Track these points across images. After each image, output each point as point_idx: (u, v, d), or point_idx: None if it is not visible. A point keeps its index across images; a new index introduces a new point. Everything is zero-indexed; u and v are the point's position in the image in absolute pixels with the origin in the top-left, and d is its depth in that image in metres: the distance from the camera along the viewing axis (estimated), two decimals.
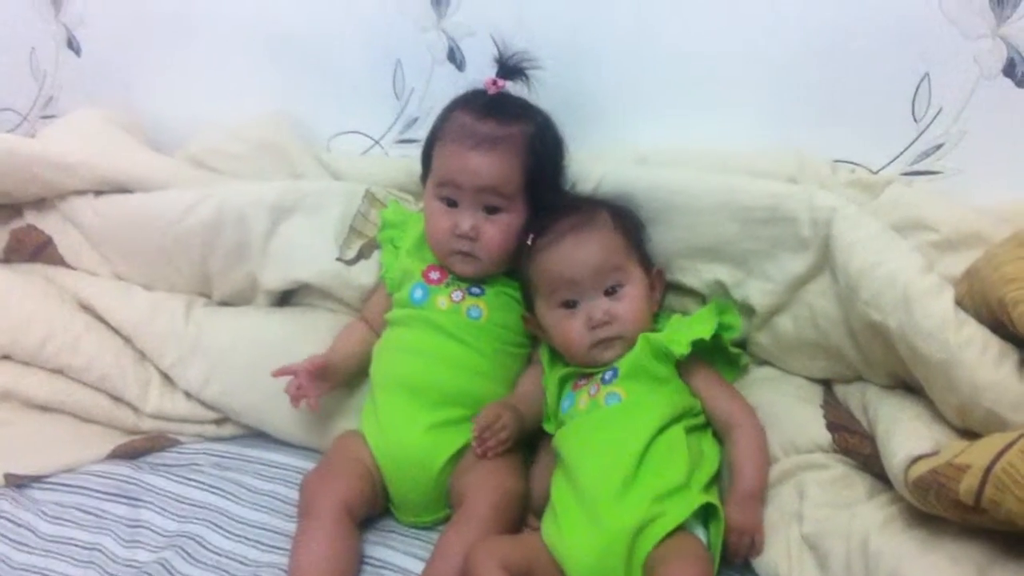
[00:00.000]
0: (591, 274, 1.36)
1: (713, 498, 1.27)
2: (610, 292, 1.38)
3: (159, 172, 1.72)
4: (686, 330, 1.36)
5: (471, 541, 1.25)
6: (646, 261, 1.44)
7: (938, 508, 1.08)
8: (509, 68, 1.49)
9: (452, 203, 1.46)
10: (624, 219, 1.43)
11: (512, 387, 1.49)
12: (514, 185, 1.44)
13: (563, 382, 1.43)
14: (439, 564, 1.26)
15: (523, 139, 1.45)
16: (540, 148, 1.47)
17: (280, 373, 1.46)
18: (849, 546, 1.17)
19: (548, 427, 1.43)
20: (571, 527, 1.24)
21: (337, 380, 1.52)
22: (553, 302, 1.40)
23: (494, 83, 1.48)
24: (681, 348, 1.32)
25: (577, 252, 1.37)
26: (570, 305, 1.39)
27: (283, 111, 1.77)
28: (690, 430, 1.32)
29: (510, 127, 1.44)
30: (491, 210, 1.45)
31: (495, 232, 1.44)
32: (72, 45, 1.92)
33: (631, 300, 1.38)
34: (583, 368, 1.40)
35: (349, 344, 1.56)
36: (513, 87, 1.50)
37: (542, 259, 1.39)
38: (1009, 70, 1.30)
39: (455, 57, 1.62)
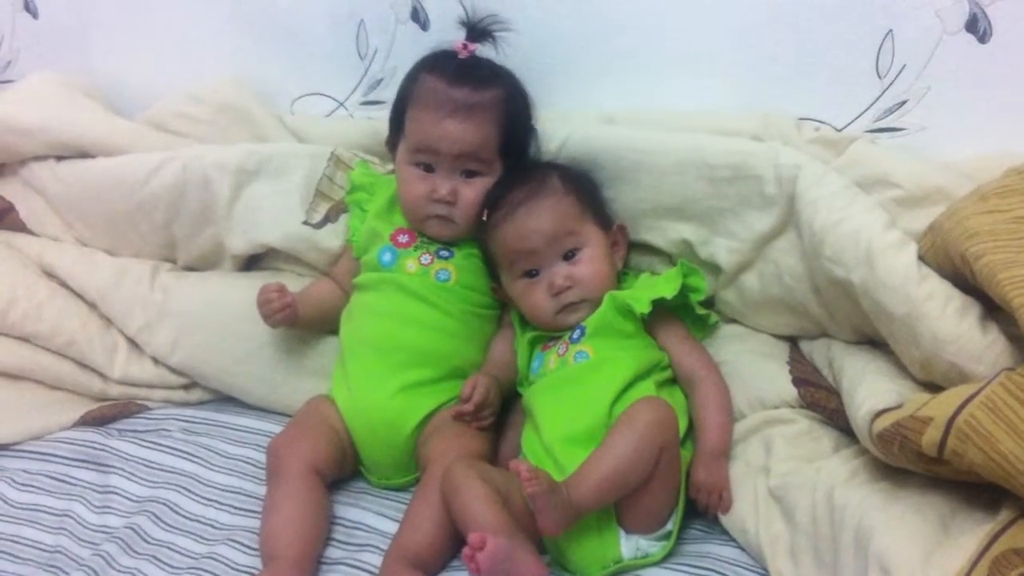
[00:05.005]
0: (546, 242, 1.37)
1: (686, 451, 1.30)
2: (569, 256, 1.39)
3: (120, 136, 1.70)
4: (649, 289, 1.37)
5: (437, 509, 1.26)
6: (604, 220, 1.45)
7: (902, 460, 1.10)
8: (479, 31, 1.48)
9: (429, 168, 1.45)
10: (575, 181, 1.44)
11: (482, 348, 1.50)
12: (492, 149, 1.44)
13: (533, 344, 1.44)
14: (409, 534, 1.27)
15: (499, 103, 1.44)
16: (514, 110, 1.47)
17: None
18: (815, 499, 1.18)
19: (522, 390, 1.44)
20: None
21: (303, 318, 1.51)
22: (515, 273, 1.41)
23: (465, 47, 1.47)
24: (642, 306, 1.34)
25: (529, 222, 1.37)
26: (531, 275, 1.40)
27: (245, 73, 1.75)
28: (660, 384, 1.34)
29: (485, 92, 1.44)
30: (469, 173, 1.45)
31: (473, 195, 1.44)
32: (29, 8, 1.88)
33: (590, 262, 1.39)
34: (551, 332, 1.41)
35: (316, 291, 1.57)
36: (482, 49, 1.49)
37: (498, 233, 1.40)
38: (971, 26, 1.30)
39: (419, 16, 1.60)
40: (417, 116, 1.45)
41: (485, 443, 1.41)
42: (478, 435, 1.40)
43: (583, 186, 1.44)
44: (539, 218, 1.38)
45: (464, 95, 1.42)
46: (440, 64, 1.47)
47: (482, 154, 1.43)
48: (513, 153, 1.46)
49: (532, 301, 1.39)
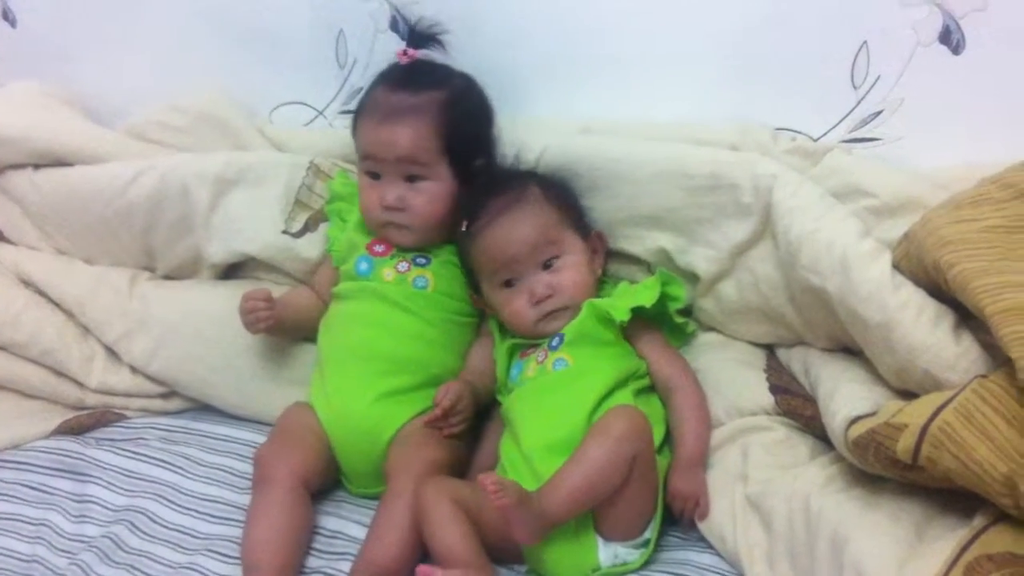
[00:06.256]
0: (527, 252, 1.38)
1: (664, 458, 1.31)
2: (548, 265, 1.39)
3: (99, 145, 1.69)
4: (629, 297, 1.38)
5: (401, 522, 1.26)
6: (583, 228, 1.46)
7: (877, 467, 1.11)
8: (418, 36, 1.50)
9: (376, 176, 1.46)
10: (555, 190, 1.44)
11: (461, 356, 1.50)
12: (431, 152, 1.43)
13: (512, 352, 1.44)
14: (375, 548, 1.27)
15: (435, 105, 1.44)
16: (457, 112, 1.46)
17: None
18: (792, 506, 1.19)
19: (501, 398, 1.44)
20: (519, 481, 1.25)
21: (282, 324, 1.51)
22: (495, 283, 1.41)
23: (404, 53, 1.49)
24: (621, 315, 1.34)
25: (511, 232, 1.38)
26: (511, 284, 1.40)
27: (224, 83, 1.75)
28: (638, 392, 1.34)
29: (422, 95, 1.44)
30: (413, 179, 1.45)
31: (421, 200, 1.44)
32: (7, 16, 1.88)
33: (571, 270, 1.40)
34: (531, 340, 1.42)
35: (295, 298, 1.57)
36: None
37: (478, 243, 1.40)
38: (945, 37, 1.31)
39: (398, 26, 1.60)
40: (361, 124, 1.48)
41: (450, 453, 1.40)
42: (443, 444, 1.39)
43: (562, 194, 1.45)
44: (520, 228, 1.38)
45: (398, 99, 1.44)
46: (388, 73, 1.50)
47: (421, 157, 1.43)
48: (460, 157, 1.46)
49: (513, 309, 1.40)
